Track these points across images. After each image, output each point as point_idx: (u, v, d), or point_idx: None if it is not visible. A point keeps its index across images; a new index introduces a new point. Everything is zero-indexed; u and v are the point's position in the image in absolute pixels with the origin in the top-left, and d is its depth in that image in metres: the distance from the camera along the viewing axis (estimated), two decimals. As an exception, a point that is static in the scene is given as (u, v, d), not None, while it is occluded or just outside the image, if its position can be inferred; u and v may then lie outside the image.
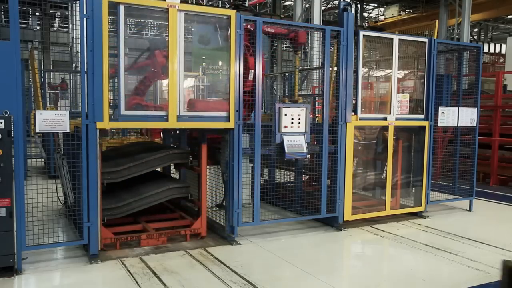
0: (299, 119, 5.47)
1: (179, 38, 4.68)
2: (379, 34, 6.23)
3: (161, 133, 8.17)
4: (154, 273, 4.26)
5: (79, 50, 4.54)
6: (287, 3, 27.21)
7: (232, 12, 4.96)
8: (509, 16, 23.72)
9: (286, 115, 5.39)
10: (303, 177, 6.73)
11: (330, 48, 5.78)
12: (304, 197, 6.35)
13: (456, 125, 6.93)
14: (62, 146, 6.14)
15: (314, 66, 12.24)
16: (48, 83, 11.52)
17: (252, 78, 5.34)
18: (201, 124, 4.96)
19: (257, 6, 24.37)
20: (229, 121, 5.02)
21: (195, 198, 5.64)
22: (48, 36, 10.60)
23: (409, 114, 6.32)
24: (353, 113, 5.84)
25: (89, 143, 4.37)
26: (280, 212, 6.37)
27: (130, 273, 4.26)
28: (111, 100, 5.62)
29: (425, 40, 6.43)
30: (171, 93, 4.68)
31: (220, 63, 5.48)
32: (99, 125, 4.40)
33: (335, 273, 4.54)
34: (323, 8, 15.58)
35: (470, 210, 7.26)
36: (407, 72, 7.03)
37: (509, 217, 7.12)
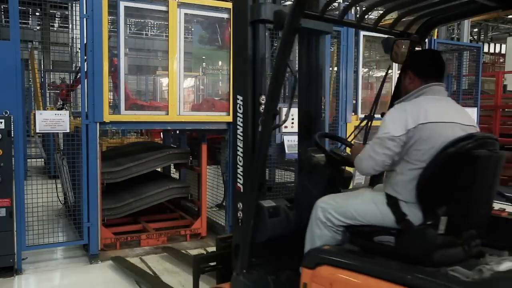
0: (300, 119, 5.46)
1: (179, 33, 4.68)
2: (379, 34, 6.21)
3: (161, 133, 8.17)
4: (154, 273, 4.25)
5: (79, 50, 4.53)
6: (287, 3, 27.22)
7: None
8: (509, 16, 23.70)
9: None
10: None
11: (330, 48, 5.78)
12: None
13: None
14: (62, 146, 6.13)
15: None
16: (53, 82, 11.48)
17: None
18: (201, 118, 4.97)
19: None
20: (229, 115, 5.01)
21: (195, 198, 5.64)
22: (48, 36, 10.55)
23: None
24: (353, 113, 5.83)
25: (89, 143, 4.37)
26: (280, 212, 6.34)
27: (130, 273, 4.25)
28: (111, 100, 5.62)
29: (425, 40, 6.41)
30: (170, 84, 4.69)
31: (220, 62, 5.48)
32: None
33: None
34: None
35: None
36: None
37: (509, 217, 7.10)
